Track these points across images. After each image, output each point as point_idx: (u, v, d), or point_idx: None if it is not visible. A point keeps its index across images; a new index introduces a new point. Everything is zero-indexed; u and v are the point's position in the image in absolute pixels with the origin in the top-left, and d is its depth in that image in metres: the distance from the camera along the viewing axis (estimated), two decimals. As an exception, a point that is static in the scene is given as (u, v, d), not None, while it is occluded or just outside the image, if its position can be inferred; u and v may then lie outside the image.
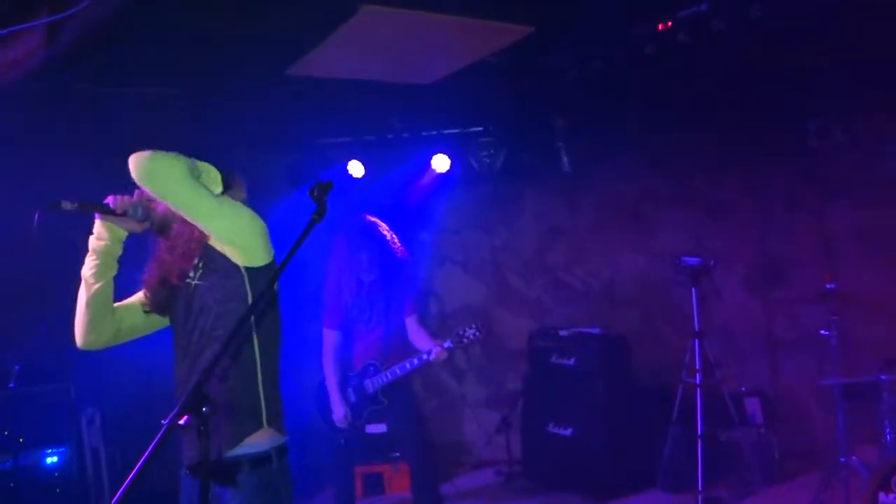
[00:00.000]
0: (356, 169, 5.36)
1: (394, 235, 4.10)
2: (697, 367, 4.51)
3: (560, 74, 3.91)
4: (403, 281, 4.06)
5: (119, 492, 1.32)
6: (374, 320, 4.03)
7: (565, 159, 5.37)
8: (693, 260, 4.53)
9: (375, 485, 5.16)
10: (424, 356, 3.89)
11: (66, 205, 1.95)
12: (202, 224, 2.03)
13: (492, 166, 5.38)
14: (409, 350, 4.05)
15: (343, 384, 4.04)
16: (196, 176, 2.06)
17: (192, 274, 2.08)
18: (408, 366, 3.92)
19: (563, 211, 6.05)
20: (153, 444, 1.35)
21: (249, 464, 2.00)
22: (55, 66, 3.10)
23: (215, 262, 2.06)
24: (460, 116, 5.20)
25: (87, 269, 2.10)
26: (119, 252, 2.14)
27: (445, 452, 5.76)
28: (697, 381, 4.49)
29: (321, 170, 5.50)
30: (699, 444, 4.36)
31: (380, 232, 4.04)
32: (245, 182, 2.27)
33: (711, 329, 5.27)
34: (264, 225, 2.11)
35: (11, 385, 3.45)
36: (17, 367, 3.47)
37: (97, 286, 2.09)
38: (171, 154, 2.03)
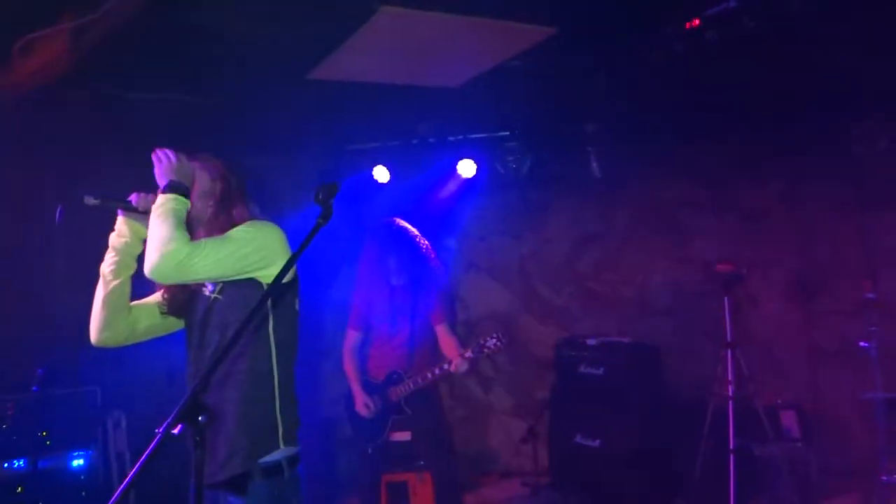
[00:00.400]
0: (381, 174, 5.34)
1: (424, 240, 4.05)
2: (730, 378, 4.36)
3: (587, 77, 3.82)
4: (433, 286, 4.01)
5: (112, 499, 1.29)
6: (400, 325, 3.99)
7: (595, 165, 5.27)
8: (726, 268, 4.39)
9: (400, 494, 5.09)
10: (445, 366, 3.83)
11: (90, 200, 1.95)
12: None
13: (518, 172, 5.30)
14: (436, 358, 4.00)
15: (366, 390, 4.01)
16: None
17: (210, 286, 2.06)
18: (429, 375, 3.87)
19: (593, 218, 5.93)
20: (146, 453, 1.32)
21: (260, 474, 1.98)
22: (80, 72, 3.12)
23: (237, 279, 2.02)
24: (487, 121, 5.14)
25: (106, 265, 2.09)
26: (139, 250, 2.12)
27: (471, 462, 5.68)
28: (730, 394, 4.34)
29: (348, 175, 5.51)
30: (731, 459, 4.21)
31: (409, 236, 4.00)
32: (251, 191, 2.24)
33: (747, 340, 5.11)
34: (276, 239, 2.04)
35: (34, 388, 3.48)
36: (40, 371, 3.50)
37: (114, 283, 2.08)
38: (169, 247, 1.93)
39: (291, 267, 1.63)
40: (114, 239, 2.11)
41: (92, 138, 3.92)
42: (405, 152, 5.38)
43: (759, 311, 5.29)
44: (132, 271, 2.13)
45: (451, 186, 5.51)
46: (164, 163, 2.05)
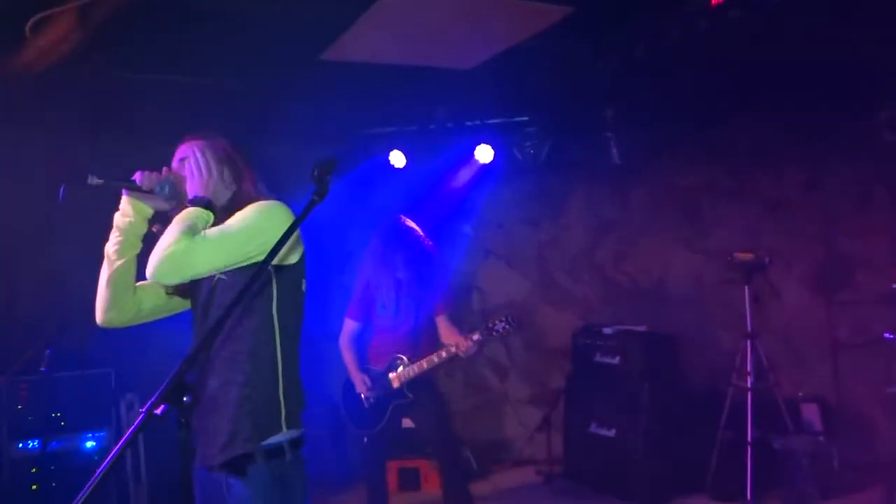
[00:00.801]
0: (398, 159, 5.28)
1: (426, 237, 4.07)
2: (749, 369, 4.27)
3: (605, 58, 3.72)
4: (437, 283, 4.03)
5: (94, 476, 1.26)
6: (402, 315, 3.99)
7: (615, 151, 5.16)
8: (746, 257, 4.29)
9: (411, 480, 5.09)
10: (452, 349, 3.80)
11: (93, 180, 1.91)
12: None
13: (537, 157, 5.20)
14: (438, 348, 3.98)
15: (363, 375, 4.00)
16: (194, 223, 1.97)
17: None
18: (435, 359, 3.84)
19: (612, 205, 5.83)
20: (129, 433, 1.29)
21: (262, 455, 1.94)
22: (90, 53, 3.10)
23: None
24: (504, 106, 5.05)
25: (111, 245, 2.06)
26: (144, 230, 2.09)
27: (485, 449, 5.64)
28: (749, 385, 4.25)
29: (364, 160, 5.46)
30: (749, 451, 4.13)
31: (415, 235, 4.05)
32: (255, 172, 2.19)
33: (769, 331, 5.01)
34: (278, 223, 1.97)
35: (43, 370, 3.49)
36: (48, 352, 3.51)
37: (119, 263, 2.05)
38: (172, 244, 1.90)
39: (282, 247, 1.57)
40: (118, 219, 2.07)
41: (100, 119, 3.93)
42: (422, 137, 5.32)
43: (781, 302, 5.17)
44: (137, 251, 2.10)
45: (468, 172, 5.44)
46: (197, 178, 2.04)
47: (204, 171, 2.06)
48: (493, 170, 5.35)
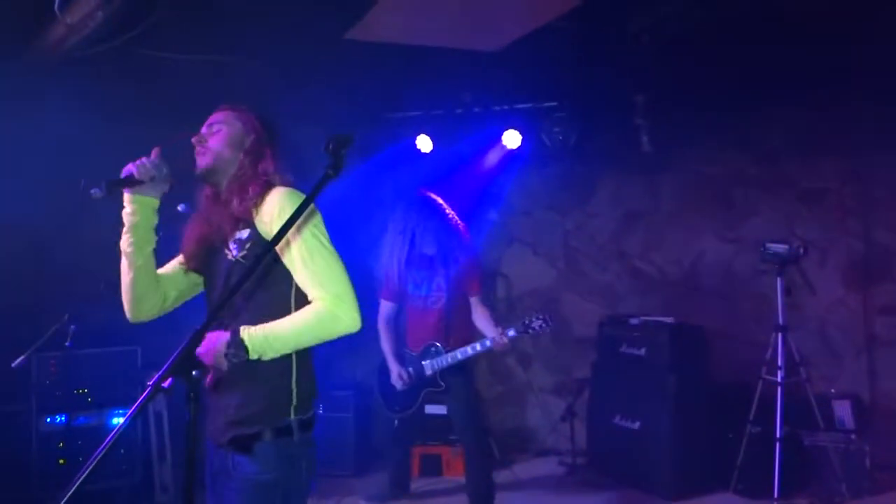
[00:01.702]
0: (424, 144, 5.24)
1: (453, 212, 3.99)
2: (780, 363, 4.16)
3: (634, 41, 3.63)
4: (464, 258, 3.95)
5: (100, 448, 1.25)
6: (433, 295, 3.94)
7: (645, 138, 5.04)
8: (780, 247, 4.18)
9: (433, 466, 5.08)
10: (487, 343, 3.76)
11: (97, 193, 1.89)
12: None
13: (565, 144, 5.10)
14: (471, 331, 3.94)
15: (400, 361, 3.98)
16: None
17: (235, 250, 2.00)
18: (469, 351, 3.81)
19: (641, 193, 5.72)
20: (135, 406, 1.27)
21: (270, 434, 1.94)
22: (115, 32, 3.10)
23: (264, 248, 1.93)
24: (533, 90, 4.97)
25: (126, 244, 2.05)
26: (155, 220, 2.09)
27: (508, 438, 5.61)
28: (779, 379, 4.14)
29: (390, 144, 5.43)
30: (777, 447, 4.03)
31: (440, 207, 3.95)
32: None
33: (801, 324, 4.88)
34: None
35: (68, 344, 3.54)
36: (73, 327, 3.55)
37: (139, 263, 2.05)
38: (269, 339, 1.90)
39: (295, 221, 1.55)
40: (127, 217, 2.06)
41: (124, 99, 3.94)
42: (449, 121, 5.26)
43: (814, 295, 5.02)
44: (153, 245, 2.10)
45: (495, 157, 5.38)
46: (214, 147, 2.07)
47: (222, 141, 2.06)
48: (520, 155, 5.27)
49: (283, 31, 3.36)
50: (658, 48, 3.84)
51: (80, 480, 1.20)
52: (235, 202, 2.01)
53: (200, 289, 2.23)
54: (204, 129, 2.12)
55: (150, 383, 1.29)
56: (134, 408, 1.26)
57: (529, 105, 5.12)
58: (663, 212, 5.64)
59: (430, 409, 4.45)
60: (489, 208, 5.87)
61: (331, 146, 1.57)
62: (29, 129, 4.27)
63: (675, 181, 5.60)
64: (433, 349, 3.91)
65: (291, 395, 1.98)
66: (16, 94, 3.85)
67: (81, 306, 3.82)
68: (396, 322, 4.12)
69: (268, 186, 2.03)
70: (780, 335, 4.25)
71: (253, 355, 1.85)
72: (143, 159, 2.00)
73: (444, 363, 3.87)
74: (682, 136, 5.17)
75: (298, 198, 1.99)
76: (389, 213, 4.81)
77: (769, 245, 4.25)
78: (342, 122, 5.27)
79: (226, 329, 1.90)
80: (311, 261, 1.92)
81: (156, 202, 2.06)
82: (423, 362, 3.93)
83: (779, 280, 4.23)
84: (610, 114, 5.10)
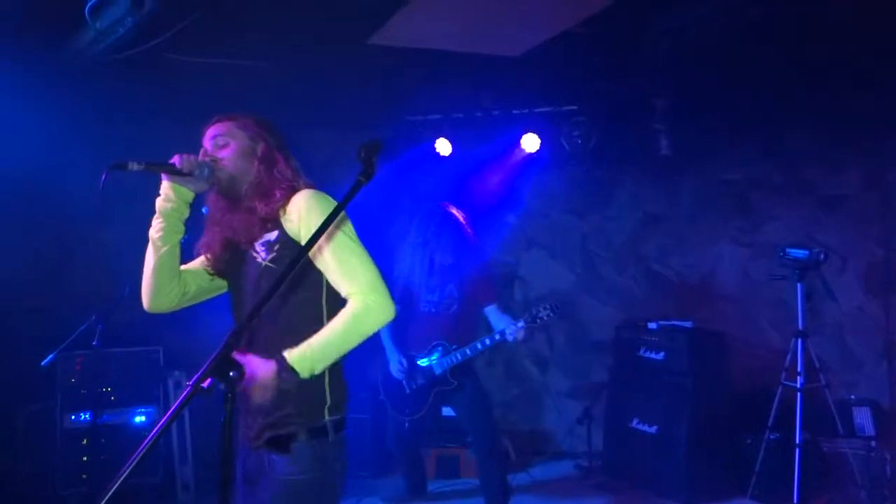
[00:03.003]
0: (444, 147, 5.27)
1: (468, 226, 4.06)
2: (799, 369, 4.15)
3: (657, 46, 3.64)
4: (477, 268, 4.01)
5: (140, 447, 1.28)
6: (445, 302, 3.98)
7: (664, 142, 5.04)
8: (800, 252, 4.16)
9: (450, 467, 5.10)
10: (496, 336, 3.78)
11: (133, 165, 1.93)
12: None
13: (584, 147, 5.12)
14: (480, 334, 3.96)
15: (410, 365, 3.99)
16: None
17: (263, 252, 2.01)
18: (479, 346, 3.82)
19: (660, 197, 5.72)
20: (175, 405, 1.31)
21: (305, 434, 1.96)
22: (142, 36, 3.15)
23: (292, 249, 1.97)
24: (552, 94, 4.98)
25: (154, 231, 2.08)
26: (186, 214, 2.11)
27: (524, 441, 5.62)
28: (799, 385, 4.13)
29: (409, 147, 5.46)
30: (797, 454, 4.02)
31: (457, 222, 4.03)
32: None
33: (821, 330, 4.86)
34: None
35: (95, 343, 3.61)
36: (100, 326, 3.62)
37: (164, 250, 2.07)
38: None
39: (326, 228, 1.57)
40: (160, 203, 2.08)
41: (150, 102, 4.00)
42: (468, 125, 5.29)
43: (834, 301, 5.00)
44: (181, 236, 2.12)
45: (514, 161, 5.39)
46: (230, 158, 2.06)
47: (234, 154, 2.06)
48: (539, 159, 5.29)
49: (308, 37, 3.40)
50: (678, 52, 3.85)
51: (122, 478, 1.22)
52: (260, 206, 2.02)
53: (221, 290, 2.24)
54: (208, 144, 2.11)
55: (190, 383, 1.33)
56: (174, 407, 1.29)
57: (549, 109, 5.13)
58: (682, 216, 5.63)
59: (447, 410, 4.47)
60: (507, 211, 5.89)
61: (362, 153, 1.59)
62: (57, 131, 4.36)
63: (693, 185, 5.59)
64: (441, 348, 3.94)
65: (325, 395, 2.01)
66: (45, 98, 3.93)
67: (106, 307, 3.88)
68: (401, 324, 4.12)
69: (291, 190, 2.05)
70: (799, 341, 4.23)
71: (305, 375, 1.87)
72: (190, 155, 2.02)
73: (455, 360, 3.88)
74: (701, 141, 5.16)
75: (323, 198, 2.01)
76: (408, 216, 4.85)
77: (789, 250, 4.24)
78: (360, 124, 5.31)
79: (255, 345, 1.92)
80: (342, 257, 1.94)
81: (191, 195, 2.08)
82: (432, 361, 3.95)
83: (799, 286, 4.22)
84: (629, 118, 5.10)
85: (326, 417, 2.00)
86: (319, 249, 1.95)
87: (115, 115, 4.33)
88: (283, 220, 2.01)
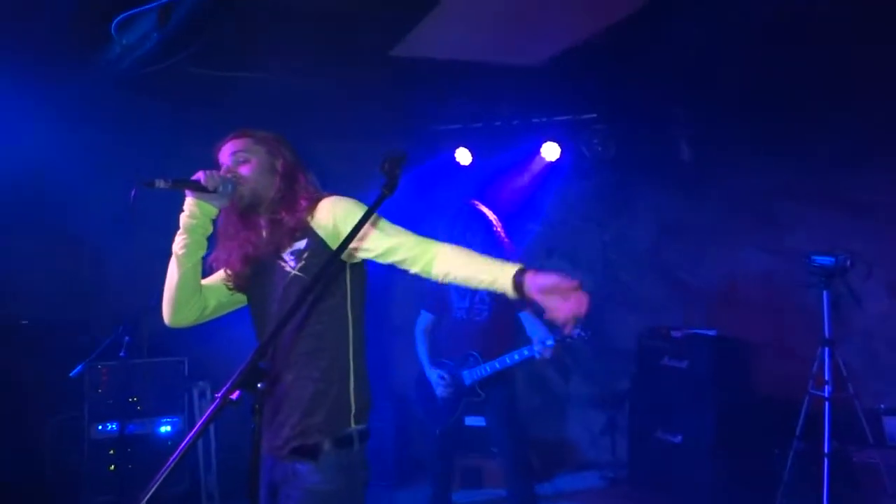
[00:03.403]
0: (463, 156, 5.28)
1: (500, 225, 4.00)
2: (827, 378, 4.08)
3: (678, 54, 3.62)
4: None
5: (172, 457, 1.30)
6: (475, 309, 3.94)
7: (685, 149, 5.03)
8: (826, 259, 4.10)
9: (474, 478, 5.08)
10: (525, 352, 3.75)
11: (160, 183, 1.95)
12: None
13: (604, 155, 5.10)
14: (512, 345, 3.93)
15: (440, 371, 3.99)
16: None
17: (292, 262, 2.03)
18: (507, 360, 3.80)
19: (681, 204, 5.67)
20: (204, 417, 1.32)
21: (331, 444, 1.99)
22: (167, 51, 3.20)
23: (322, 256, 2.00)
24: (572, 102, 4.98)
25: (178, 246, 2.09)
26: (210, 230, 2.13)
27: (548, 451, 5.59)
28: (826, 394, 4.06)
29: (430, 157, 5.48)
30: (825, 464, 3.94)
31: (487, 219, 3.96)
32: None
33: (848, 338, 4.78)
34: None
35: (121, 354, 3.65)
36: (127, 339, 3.66)
37: (187, 266, 2.08)
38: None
39: (353, 238, 1.59)
40: (184, 219, 2.09)
41: (179, 115, 4.06)
42: (488, 134, 5.30)
43: (862, 309, 4.92)
44: (203, 252, 2.13)
45: (534, 169, 5.39)
46: (251, 173, 2.09)
47: (255, 170, 2.09)
48: (559, 167, 5.28)
49: (331, 50, 3.44)
50: (699, 59, 3.83)
51: (156, 485, 1.24)
52: (287, 217, 2.05)
53: (240, 304, 2.26)
54: (227, 160, 2.12)
55: (219, 395, 1.34)
56: (205, 417, 1.31)
57: (568, 117, 5.12)
58: (704, 223, 5.58)
59: (470, 420, 4.45)
60: (528, 220, 5.89)
61: (386, 166, 1.61)
62: (84, 146, 4.44)
63: (716, 192, 5.54)
64: (471, 359, 3.92)
65: (350, 403, 2.03)
66: (74, 113, 4.00)
67: (132, 318, 3.93)
68: (433, 333, 4.14)
69: (315, 199, 2.08)
70: (826, 349, 4.17)
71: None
72: (214, 171, 2.04)
73: (483, 373, 3.86)
74: (722, 147, 5.12)
75: (349, 200, 2.05)
76: (428, 226, 4.86)
77: (815, 257, 4.18)
78: (381, 135, 5.35)
79: (279, 352, 1.96)
80: (391, 231, 1.99)
81: (215, 211, 2.10)
82: (462, 371, 3.93)
83: (825, 293, 4.16)
84: (649, 125, 5.08)
85: (352, 425, 2.02)
86: (366, 242, 1.97)
87: (141, 129, 4.39)
88: (313, 227, 2.03)
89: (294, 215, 2.05)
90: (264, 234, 2.12)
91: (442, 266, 1.95)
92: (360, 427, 2.05)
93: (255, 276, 2.14)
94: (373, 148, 5.26)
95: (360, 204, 2.05)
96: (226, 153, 2.13)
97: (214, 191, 2.03)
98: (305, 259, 2.01)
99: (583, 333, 3.67)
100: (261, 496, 2.08)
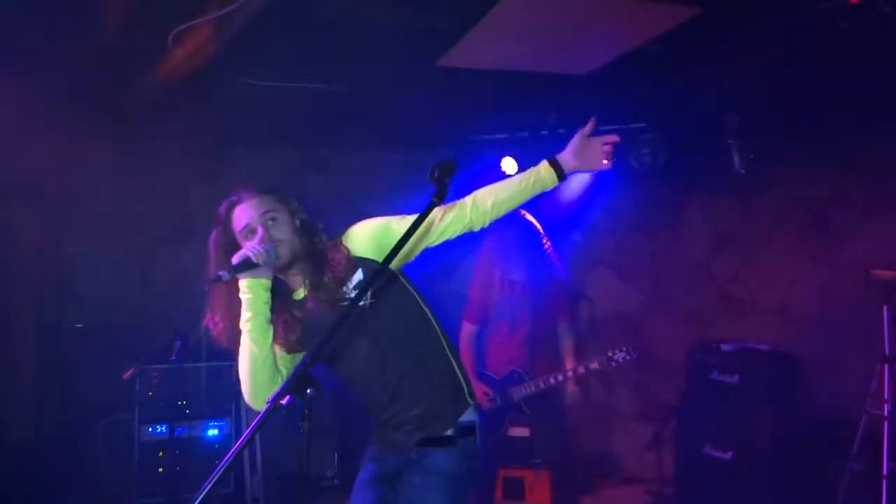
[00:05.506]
0: (510, 166, 5.26)
1: (547, 238, 3.99)
2: (886, 396, 3.94)
3: (729, 62, 3.55)
4: (554, 284, 3.92)
5: (225, 459, 1.32)
6: (517, 322, 3.92)
7: (737, 159, 4.91)
8: (887, 274, 3.96)
9: (516, 489, 5.03)
10: (570, 373, 3.75)
11: (225, 276, 1.96)
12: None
13: (653, 165, 5.02)
14: (556, 358, 3.91)
15: (485, 384, 3.97)
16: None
17: (354, 294, 2.04)
18: (552, 381, 3.80)
19: (733, 215, 5.56)
20: (255, 422, 1.34)
21: (459, 432, 2.10)
22: (221, 62, 3.28)
23: (383, 274, 2.01)
24: (619, 111, 4.93)
25: (243, 321, 2.05)
26: (268, 297, 2.07)
27: (592, 464, 5.51)
28: (885, 413, 3.92)
29: (475, 166, 5.48)
30: (884, 486, 3.80)
31: (534, 231, 3.95)
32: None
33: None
34: None
35: (173, 358, 3.74)
36: (178, 342, 3.75)
37: (263, 353, 2.05)
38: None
39: (406, 242, 1.65)
40: (246, 300, 2.04)
41: (227, 126, 4.14)
42: (534, 143, 5.27)
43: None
44: (271, 333, 2.07)
45: (580, 180, 5.34)
46: (284, 235, 2.12)
47: (287, 230, 2.10)
48: (606, 177, 5.22)
49: (379, 60, 3.47)
50: (750, 67, 3.75)
51: (208, 486, 1.26)
52: (333, 259, 2.08)
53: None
54: (255, 219, 2.09)
55: (270, 400, 1.36)
56: (256, 421, 1.33)
57: (616, 126, 5.05)
58: (756, 234, 5.45)
59: (513, 431, 4.43)
60: (573, 230, 5.83)
61: (436, 174, 1.61)
62: (133, 155, 4.58)
63: (768, 202, 5.41)
64: (516, 376, 3.89)
65: (461, 382, 2.16)
66: (128, 125, 4.12)
67: (182, 322, 4.02)
68: (477, 345, 4.13)
69: (338, 238, 2.16)
70: (886, 366, 4.02)
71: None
72: (256, 244, 2.02)
73: (529, 391, 3.84)
74: (776, 156, 5.00)
75: (371, 220, 2.15)
76: (475, 235, 4.85)
77: (873, 271, 4.05)
78: (426, 144, 5.38)
79: (400, 386, 2.12)
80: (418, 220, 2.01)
81: (268, 282, 2.06)
82: (509, 388, 3.91)
83: (885, 308, 4.02)
84: (700, 134, 4.99)
85: (469, 401, 2.13)
86: (420, 235, 2.06)
87: (191, 140, 4.50)
88: (359, 256, 2.08)
89: (336, 255, 2.08)
90: (303, 292, 2.14)
91: (484, 201, 2.15)
92: (476, 417, 2.17)
93: (309, 333, 2.13)
94: (419, 158, 5.32)
95: (379, 218, 2.15)
96: (253, 216, 2.10)
97: (264, 263, 2.02)
98: (372, 285, 1.96)
99: (629, 357, 3.64)
100: (366, 489, 2.18)
